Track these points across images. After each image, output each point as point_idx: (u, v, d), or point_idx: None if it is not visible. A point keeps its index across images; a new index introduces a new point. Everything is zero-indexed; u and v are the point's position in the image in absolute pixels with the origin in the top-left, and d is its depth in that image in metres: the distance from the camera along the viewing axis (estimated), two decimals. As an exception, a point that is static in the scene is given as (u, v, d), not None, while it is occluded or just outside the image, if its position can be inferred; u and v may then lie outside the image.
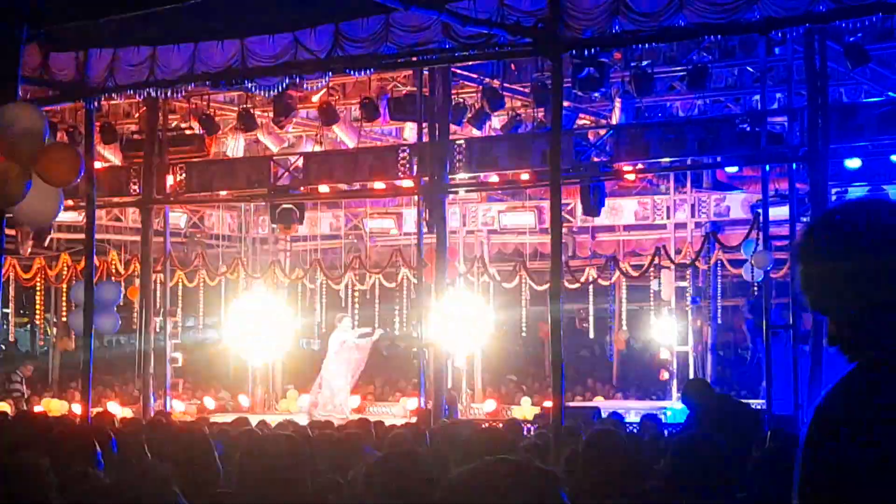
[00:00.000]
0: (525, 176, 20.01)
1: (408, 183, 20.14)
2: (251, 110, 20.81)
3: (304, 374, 26.26)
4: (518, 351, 27.73)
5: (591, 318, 25.17)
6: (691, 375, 22.61)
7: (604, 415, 16.68)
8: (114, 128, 21.24)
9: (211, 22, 13.81)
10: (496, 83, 19.76)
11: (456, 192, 20.76)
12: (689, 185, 22.98)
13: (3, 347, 30.68)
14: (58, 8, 9.79)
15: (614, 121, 20.74)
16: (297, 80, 15.89)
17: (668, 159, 19.22)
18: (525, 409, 22.80)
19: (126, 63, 16.14)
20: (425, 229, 19.70)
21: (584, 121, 22.46)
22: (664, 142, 18.56)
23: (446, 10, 12.48)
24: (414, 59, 14.98)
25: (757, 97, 19.67)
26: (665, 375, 23.28)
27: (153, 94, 17.68)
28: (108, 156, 21.95)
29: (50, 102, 15.96)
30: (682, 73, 19.48)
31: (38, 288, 24.75)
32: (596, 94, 19.09)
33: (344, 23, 14.75)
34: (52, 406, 22.52)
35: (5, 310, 27.00)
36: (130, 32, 14.74)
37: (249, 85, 16.71)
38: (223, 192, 21.98)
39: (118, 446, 12.34)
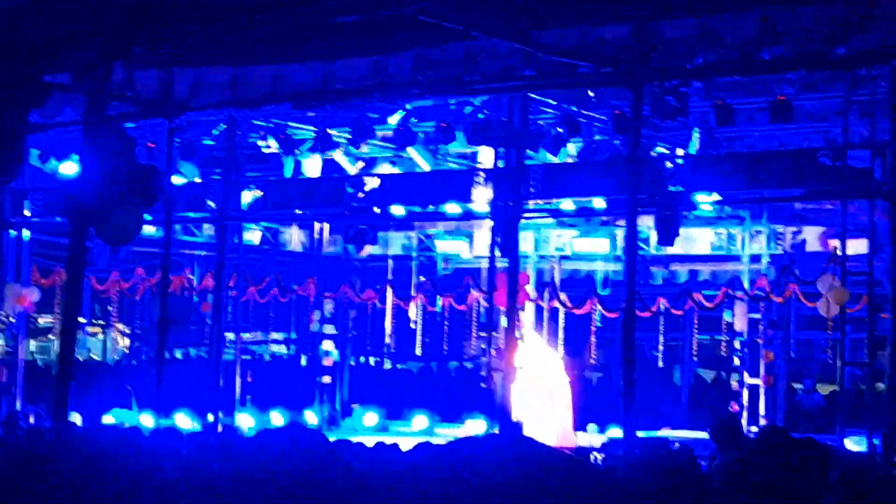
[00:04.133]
0: (600, 203, 19.94)
1: (482, 206, 20.13)
2: (329, 131, 20.94)
3: (370, 392, 26.42)
4: (587, 377, 27.60)
5: (661, 347, 25.02)
6: (761, 409, 22.43)
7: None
8: (194, 145, 21.47)
9: (294, 45, 13.90)
10: (574, 109, 19.74)
11: (530, 218, 20.71)
12: (764, 216, 22.76)
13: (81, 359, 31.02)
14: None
15: (692, 150, 20.60)
16: (378, 103, 15.95)
17: (745, 191, 19.04)
18: (591, 436, 22.70)
19: (209, 82, 16.32)
20: (497, 253, 19.68)
21: (661, 149, 22.33)
22: (742, 173, 18.42)
23: (530, 40, 12.48)
24: (496, 84, 14.98)
25: (838, 129, 19.46)
26: (735, 407, 23.04)
27: (234, 114, 17.85)
28: (187, 171, 22.15)
29: (133, 118, 16.16)
30: (763, 105, 19.30)
31: (113, 300, 25.05)
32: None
33: (427, 48, 14.81)
34: (122, 418, 22.74)
35: (81, 320, 27.37)
36: (214, 52, 14.88)
37: (331, 111, 16.81)
38: (298, 211, 22.12)
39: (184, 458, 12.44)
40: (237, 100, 16.01)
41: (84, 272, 10.90)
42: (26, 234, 23.58)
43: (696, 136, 20.53)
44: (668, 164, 19.92)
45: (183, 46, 12.47)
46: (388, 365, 28.17)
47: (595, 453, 16.81)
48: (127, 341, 30.27)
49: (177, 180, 20.98)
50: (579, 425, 23.93)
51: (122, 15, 9.86)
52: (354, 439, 15.36)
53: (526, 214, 19.64)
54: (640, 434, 19.02)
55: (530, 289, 22.35)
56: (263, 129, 21.60)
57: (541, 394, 22.14)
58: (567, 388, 22.43)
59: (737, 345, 23.26)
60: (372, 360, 28.81)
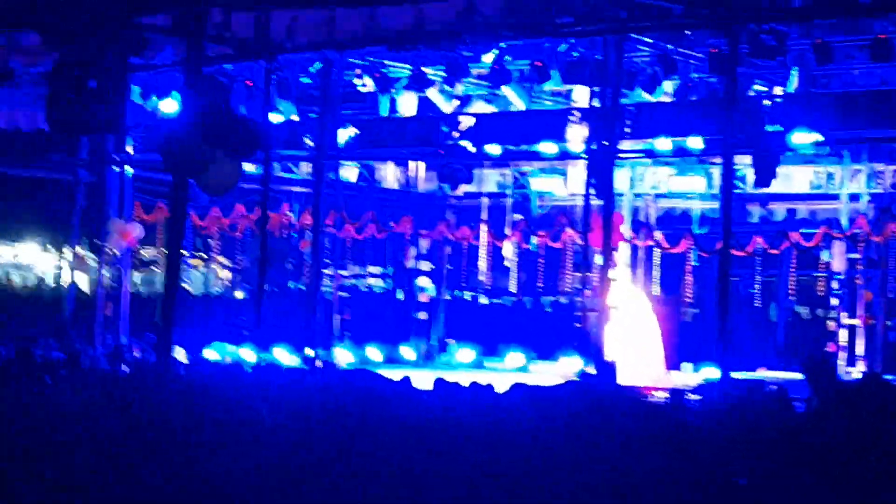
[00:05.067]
0: (696, 143, 19.81)
1: (577, 146, 20.12)
2: (423, 69, 21.02)
3: (466, 328, 26.65)
4: (682, 315, 27.51)
5: (757, 286, 24.84)
6: (859, 349, 22.24)
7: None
8: (290, 84, 21.70)
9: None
10: (670, 47, 19.57)
11: (625, 158, 20.65)
12: (864, 155, 22.39)
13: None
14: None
15: (790, 89, 20.31)
16: (470, 43, 15.98)
17: (844, 131, 18.78)
18: (686, 376, 22.70)
19: (305, 23, 16.48)
20: (592, 192, 19.67)
21: (758, 87, 22.03)
22: (841, 112, 18.18)
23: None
24: (588, 27, 14.91)
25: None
26: (832, 348, 22.87)
27: (329, 55, 18.01)
28: (284, 109, 22.42)
29: (230, 60, 16.41)
30: (862, 43, 18.95)
31: (213, 235, 25.54)
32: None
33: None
34: (224, 352, 23.25)
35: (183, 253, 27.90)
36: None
37: (425, 51, 16.87)
38: (393, 149, 22.32)
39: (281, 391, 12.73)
40: (332, 41, 16.15)
41: (186, 211, 11.17)
42: (129, 170, 24.08)
43: (794, 74, 20.21)
44: (767, 103, 19.72)
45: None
46: (483, 301, 28.35)
47: (690, 394, 16.79)
48: (228, 274, 30.78)
49: (274, 118, 21.26)
50: (674, 364, 23.93)
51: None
52: (450, 376, 15.63)
53: (621, 154, 19.58)
54: (735, 375, 19.03)
55: (625, 229, 22.32)
56: (359, 67, 21.74)
57: (633, 333, 22.19)
58: (657, 328, 22.45)
59: (834, 285, 23.03)
60: (467, 296, 29.00)
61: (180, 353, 21.12)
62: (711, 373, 21.91)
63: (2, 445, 9.87)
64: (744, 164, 21.13)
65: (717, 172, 22.91)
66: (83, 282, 32.21)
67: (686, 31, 19.02)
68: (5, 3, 10.81)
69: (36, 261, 40.91)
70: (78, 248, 25.94)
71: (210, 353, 23.11)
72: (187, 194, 10.53)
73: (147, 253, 29.37)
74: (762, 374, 22.13)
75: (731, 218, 16.95)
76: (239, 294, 25.97)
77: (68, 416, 11.26)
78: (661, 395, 19.21)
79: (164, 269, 10.60)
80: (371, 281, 28.21)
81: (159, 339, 10.50)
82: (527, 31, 15.14)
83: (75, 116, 10.79)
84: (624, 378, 20.54)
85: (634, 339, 23.09)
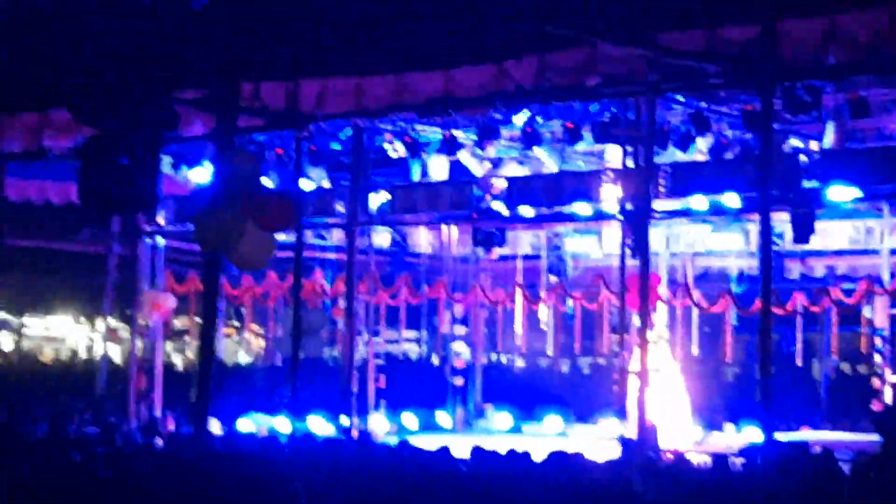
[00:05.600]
0: (732, 199, 19.54)
1: (611, 207, 19.91)
2: (454, 133, 20.93)
3: (503, 392, 26.37)
4: (722, 375, 27.16)
5: (798, 345, 24.46)
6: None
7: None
8: (321, 151, 21.66)
9: (416, 53, 13.90)
10: (703, 105, 19.38)
11: (660, 217, 20.40)
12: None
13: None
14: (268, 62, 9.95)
15: (826, 144, 20.08)
16: (502, 108, 15.88)
17: (883, 186, 18.50)
18: (728, 437, 22.35)
19: (334, 92, 16.43)
20: (627, 252, 19.44)
21: (794, 142, 21.79)
22: (879, 166, 17.92)
23: (655, 44, 12.26)
24: (621, 89, 14.78)
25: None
26: (878, 406, 22.43)
27: (360, 123, 17.93)
28: (315, 176, 22.37)
29: (261, 130, 16.35)
30: (898, 96, 18.75)
31: (245, 306, 25.43)
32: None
33: (550, 53, 14.67)
34: (259, 422, 23.04)
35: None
36: (338, 63, 14.96)
37: (456, 116, 16.80)
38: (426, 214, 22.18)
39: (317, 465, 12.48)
40: (362, 109, 16.09)
41: (219, 286, 11.01)
42: (160, 241, 24.03)
43: (829, 129, 19.99)
44: (803, 158, 19.47)
45: (308, 61, 12.54)
46: (519, 364, 28.09)
47: (733, 457, 16.41)
48: (261, 343, 30.66)
49: (305, 185, 21.18)
50: (715, 424, 23.56)
51: (249, 36, 9.93)
52: (487, 442, 15.36)
53: (656, 214, 19.35)
54: (778, 436, 18.65)
55: (663, 290, 22.02)
56: (389, 132, 21.67)
57: (670, 396, 21.94)
58: (689, 390, 22.31)
59: (878, 341, 22.63)
60: (503, 360, 28.74)
61: (214, 425, 20.95)
62: (754, 433, 21.53)
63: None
64: (781, 220, 20.91)
65: (754, 229, 22.65)
66: (116, 354, 32.14)
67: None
68: (38, 82, 10.76)
69: (68, 333, 40.94)
70: (110, 320, 25.85)
71: (245, 424, 22.90)
72: (220, 269, 10.38)
73: (180, 323, 29.29)
74: (806, 434, 21.71)
75: (771, 276, 16.65)
76: (275, 362, 25.79)
77: (104, 493, 11.10)
78: (702, 459, 18.90)
79: (199, 343, 10.44)
80: (405, 346, 28.02)
81: (195, 414, 10.29)
82: (559, 95, 15.01)
83: (107, 194, 10.69)
84: (664, 441, 20.20)
85: (672, 402, 22.76)
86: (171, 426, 21.74)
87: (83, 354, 36.53)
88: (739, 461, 15.42)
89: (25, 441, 15.27)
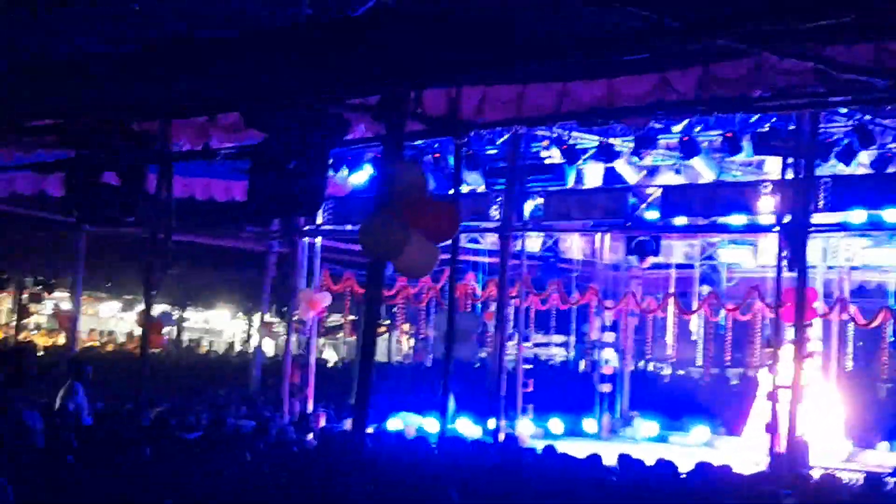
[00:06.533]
0: (893, 215, 19.16)
1: (768, 219, 19.68)
2: (611, 140, 20.95)
3: (650, 400, 26.25)
4: (877, 391, 26.59)
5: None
6: None
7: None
8: (478, 155, 21.88)
9: (579, 63, 13.91)
10: (867, 118, 19.04)
11: (819, 231, 20.09)
12: None
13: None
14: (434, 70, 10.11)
15: None
16: (662, 119, 15.85)
17: None
18: (881, 455, 21.90)
19: (495, 100, 16.55)
20: (784, 264, 19.19)
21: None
22: None
23: (821, 57, 12.08)
24: (784, 102, 14.60)
25: None
26: None
27: (519, 130, 18.06)
28: (471, 181, 22.57)
29: (423, 137, 16.58)
30: None
31: (397, 306, 25.77)
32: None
33: (713, 65, 14.57)
34: (408, 422, 23.35)
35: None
36: (500, 71, 15.05)
37: (614, 124, 16.81)
38: (579, 222, 22.20)
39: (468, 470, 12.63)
40: (522, 117, 16.19)
41: (382, 292, 11.22)
42: (318, 240, 24.52)
43: None
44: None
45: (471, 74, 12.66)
46: (666, 373, 27.92)
47: (889, 478, 16.11)
48: (412, 342, 31.05)
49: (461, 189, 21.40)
50: (868, 442, 23.10)
51: (416, 44, 10.10)
52: (634, 450, 15.35)
53: (814, 227, 19.06)
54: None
55: (819, 304, 21.68)
56: (546, 139, 21.76)
57: (822, 411, 21.62)
58: (843, 405, 21.97)
59: None
60: (651, 368, 28.59)
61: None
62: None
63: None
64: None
65: (915, 244, 22.22)
66: (270, 349, 32.88)
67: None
68: (211, 87, 11.12)
69: (226, 327, 42.01)
70: (267, 316, 26.47)
71: (394, 423, 23.23)
72: (383, 275, 10.59)
73: (332, 321, 29.83)
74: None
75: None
76: (425, 362, 26.10)
77: (262, 487, 11.42)
78: (854, 477, 18.58)
79: (361, 346, 10.66)
80: (554, 351, 28.06)
81: (355, 415, 10.52)
82: (722, 107, 14.91)
83: (275, 197, 11.00)
84: (815, 457, 19.90)
85: (824, 418, 22.40)
86: (323, 422, 22.15)
87: (238, 348, 37.44)
88: (893, 481, 15.14)
89: (185, 436, 15.76)
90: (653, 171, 23.31)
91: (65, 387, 16.74)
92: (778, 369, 18.75)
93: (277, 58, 10.69)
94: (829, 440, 22.81)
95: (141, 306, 20.29)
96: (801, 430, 18.68)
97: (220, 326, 41.91)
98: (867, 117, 18.96)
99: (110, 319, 41.51)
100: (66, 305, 32.87)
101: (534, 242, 25.13)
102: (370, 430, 18.50)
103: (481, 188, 22.68)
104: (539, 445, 16.07)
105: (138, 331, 25.26)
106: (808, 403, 20.05)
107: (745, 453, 21.01)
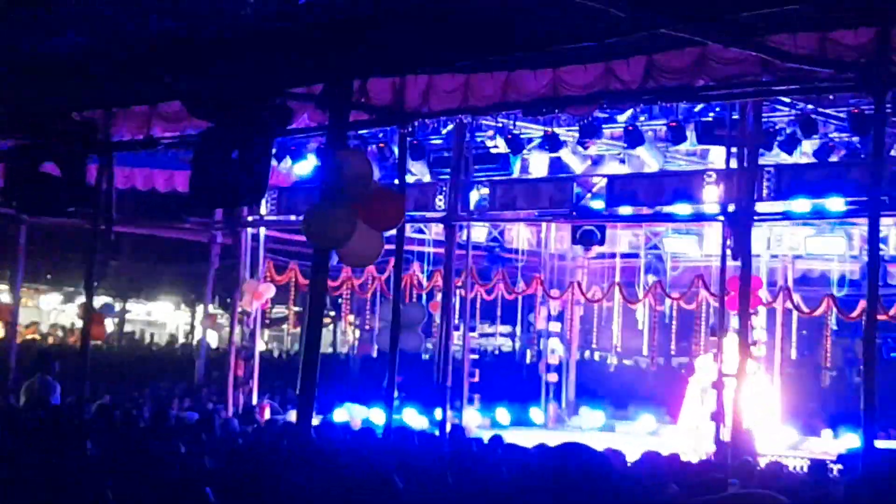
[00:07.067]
0: (836, 204, 19.28)
1: (712, 208, 19.75)
2: (556, 130, 20.93)
3: (596, 390, 26.33)
4: (820, 379, 26.82)
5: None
6: None
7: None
8: (423, 145, 21.80)
9: (524, 53, 13.88)
10: (810, 107, 19.16)
11: (763, 220, 20.20)
12: None
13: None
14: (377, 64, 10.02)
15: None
16: (607, 108, 15.85)
17: None
18: (825, 443, 22.09)
19: (440, 89, 16.49)
20: (728, 253, 19.26)
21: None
22: None
23: (766, 46, 12.13)
24: (728, 91, 14.65)
25: None
26: None
27: (464, 119, 17.99)
28: (416, 171, 22.49)
29: (367, 126, 16.50)
30: None
31: (343, 297, 25.64)
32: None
33: (658, 54, 14.60)
34: (354, 413, 23.27)
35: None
36: (445, 60, 15.00)
37: (559, 114, 16.79)
38: (525, 211, 22.18)
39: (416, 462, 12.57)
40: (467, 107, 16.14)
41: (327, 281, 11.12)
42: (262, 231, 24.35)
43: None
44: (910, 162, 19.12)
45: (414, 62, 12.57)
46: (612, 362, 28.01)
47: (831, 464, 16.24)
48: (357, 333, 30.91)
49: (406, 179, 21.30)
50: (812, 430, 23.30)
51: (359, 33, 10.01)
52: (580, 439, 15.36)
53: (758, 216, 19.16)
54: (879, 444, 18.36)
55: (763, 293, 21.81)
56: (491, 128, 21.72)
57: (763, 399, 21.82)
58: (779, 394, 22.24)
59: None
60: (597, 357, 28.67)
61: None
62: (852, 440, 21.26)
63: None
64: (886, 224, 20.60)
65: (857, 233, 22.35)
66: (214, 340, 32.62)
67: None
68: (153, 77, 10.95)
69: (169, 319, 41.69)
70: (210, 308, 26.26)
71: (340, 414, 23.15)
72: (328, 264, 10.49)
73: (278, 312, 29.64)
74: (906, 441, 21.35)
75: (877, 280, 16.39)
76: (370, 353, 26.00)
77: (206, 480, 11.29)
78: (799, 464, 18.69)
79: (305, 337, 10.55)
80: (500, 341, 28.05)
81: (300, 406, 10.42)
82: (666, 96, 14.93)
83: (218, 187, 10.84)
84: (760, 445, 20.04)
85: (766, 405, 22.58)
86: (267, 414, 22.02)
87: (182, 340, 37.17)
88: (837, 468, 15.26)
89: (130, 427, 15.58)
90: (598, 160, 23.33)
91: (32, 381, 16.52)
92: (722, 358, 18.84)
93: (223, 47, 10.55)
94: (774, 428, 22.99)
95: (82, 298, 20.04)
96: (747, 419, 18.81)
97: (163, 318, 41.63)
98: (810, 107, 19.08)
99: (51, 312, 41.07)
100: (6, 298, 32.44)
101: (479, 232, 25.10)
102: (315, 421, 18.43)
103: (426, 178, 22.61)
104: (486, 435, 16.07)
105: (80, 323, 24.97)
106: (752, 392, 20.20)
107: (683, 440, 21.17)
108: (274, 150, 22.14)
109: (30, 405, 16.00)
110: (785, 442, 22.24)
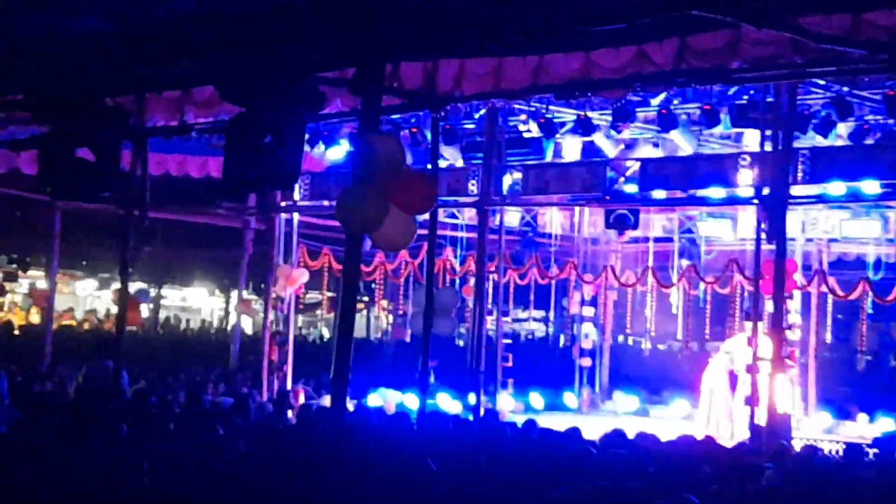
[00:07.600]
0: (871, 186, 19.15)
1: (747, 191, 19.65)
2: (589, 114, 20.85)
3: (630, 375, 26.29)
4: (855, 363, 26.70)
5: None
6: None
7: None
8: (455, 130, 21.79)
9: (556, 36, 13.82)
10: (845, 89, 19.00)
11: (797, 203, 20.08)
12: None
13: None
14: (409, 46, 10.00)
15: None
16: (640, 91, 15.77)
17: None
18: (861, 427, 22.00)
19: (472, 73, 16.47)
20: (762, 237, 19.17)
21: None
22: None
23: (798, 27, 12.02)
24: (762, 73, 14.55)
25: None
26: None
27: (497, 104, 17.96)
28: (449, 155, 22.48)
29: (399, 110, 16.50)
30: None
31: (376, 282, 25.69)
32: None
33: (690, 37, 14.51)
34: (388, 398, 23.33)
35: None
36: (477, 46, 14.97)
37: (592, 98, 16.72)
38: (558, 196, 22.14)
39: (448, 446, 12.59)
40: (499, 91, 16.11)
41: (360, 267, 11.13)
42: (295, 216, 24.41)
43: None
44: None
45: (448, 46, 12.56)
46: (646, 346, 27.95)
47: (866, 447, 16.16)
48: (390, 318, 30.97)
49: (439, 164, 21.29)
50: (847, 414, 23.19)
51: (392, 17, 9.99)
52: (614, 424, 15.35)
53: (793, 199, 19.05)
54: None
55: (798, 277, 21.69)
56: (524, 112, 21.66)
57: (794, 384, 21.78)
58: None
59: None
60: (631, 341, 28.60)
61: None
62: (888, 424, 21.17)
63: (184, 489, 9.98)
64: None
65: (892, 216, 22.21)
66: (248, 326, 32.73)
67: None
68: (185, 63, 10.99)
69: (203, 305, 41.88)
70: (244, 293, 26.36)
71: (374, 399, 23.20)
72: (361, 249, 10.51)
73: (311, 297, 29.74)
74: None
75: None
76: (403, 338, 26.03)
77: (240, 463, 11.36)
78: (834, 448, 18.60)
79: (339, 322, 10.57)
80: (533, 326, 28.04)
81: (334, 391, 10.44)
82: (700, 79, 14.84)
83: (251, 172, 10.88)
84: (795, 429, 19.97)
85: (796, 391, 22.51)
86: (301, 398, 22.09)
87: (216, 325, 37.34)
88: (873, 451, 15.19)
89: (166, 411, 15.68)
90: (631, 144, 23.23)
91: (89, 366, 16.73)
92: (757, 342, 18.76)
93: (254, 32, 10.56)
94: (808, 413, 22.91)
95: (117, 284, 20.17)
96: (781, 403, 18.73)
97: (197, 304, 41.84)
98: (845, 89, 18.92)
99: (87, 298, 41.36)
100: (42, 284, 32.70)
101: (512, 217, 25.06)
102: (350, 406, 18.51)
103: (459, 163, 22.60)
104: (519, 420, 16.08)
105: (115, 309, 25.11)
106: (786, 376, 20.12)
107: (717, 426, 21.16)
108: (307, 136, 22.28)
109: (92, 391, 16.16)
110: (820, 426, 22.17)
